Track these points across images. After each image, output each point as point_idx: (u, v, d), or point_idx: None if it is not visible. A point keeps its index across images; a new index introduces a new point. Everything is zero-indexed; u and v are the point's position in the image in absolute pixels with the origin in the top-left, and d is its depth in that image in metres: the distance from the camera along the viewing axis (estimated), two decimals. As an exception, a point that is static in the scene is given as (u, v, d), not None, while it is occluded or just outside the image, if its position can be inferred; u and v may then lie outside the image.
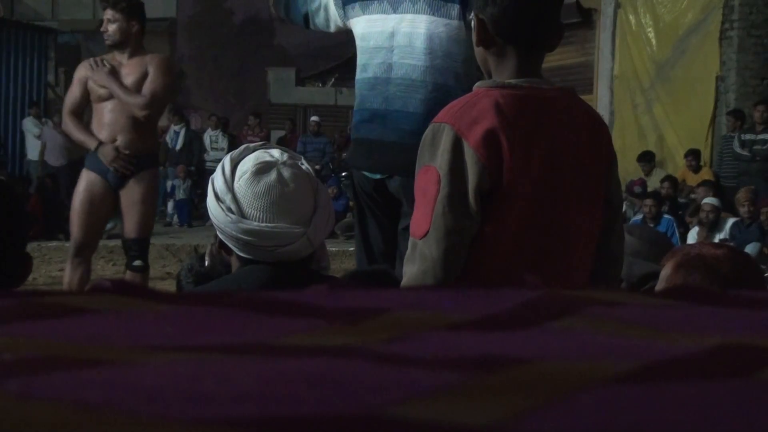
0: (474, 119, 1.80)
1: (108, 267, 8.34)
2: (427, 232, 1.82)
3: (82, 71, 4.86)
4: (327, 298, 0.54)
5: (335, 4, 3.15)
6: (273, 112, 20.27)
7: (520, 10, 1.83)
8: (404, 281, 1.90)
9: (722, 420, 0.34)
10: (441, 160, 1.81)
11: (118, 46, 4.73)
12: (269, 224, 1.81)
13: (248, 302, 0.53)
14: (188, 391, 0.36)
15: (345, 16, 3.12)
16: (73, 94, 4.87)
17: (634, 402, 0.36)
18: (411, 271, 1.86)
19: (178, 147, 13.63)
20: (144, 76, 4.72)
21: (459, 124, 1.81)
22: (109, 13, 4.69)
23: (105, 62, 4.78)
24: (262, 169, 1.84)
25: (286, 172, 1.84)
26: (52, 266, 8.75)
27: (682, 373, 0.40)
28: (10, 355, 0.41)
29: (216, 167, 1.95)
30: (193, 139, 13.88)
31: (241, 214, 1.82)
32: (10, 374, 0.38)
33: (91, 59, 4.95)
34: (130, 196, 4.76)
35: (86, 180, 4.81)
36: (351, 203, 13.96)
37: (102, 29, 4.72)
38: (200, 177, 13.21)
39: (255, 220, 1.82)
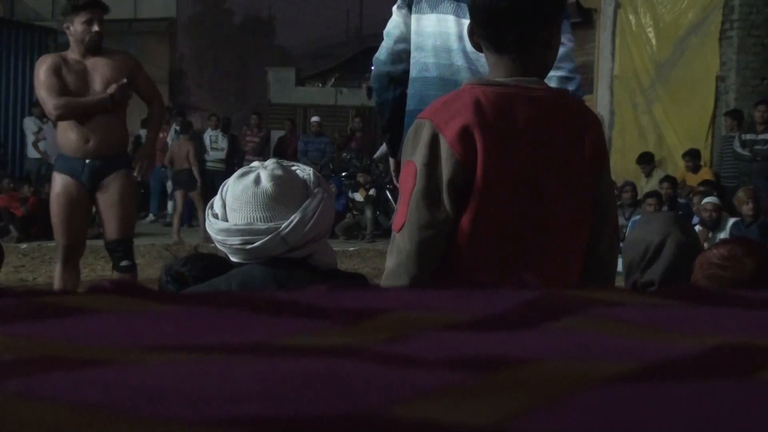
0: (452, 115, 1.83)
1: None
2: (404, 225, 1.85)
3: (52, 61, 4.71)
4: (327, 299, 0.54)
5: (399, 5, 2.99)
6: (273, 112, 20.26)
7: (490, 19, 1.86)
8: (384, 275, 1.94)
9: (722, 420, 0.34)
10: (419, 155, 1.84)
11: (99, 47, 4.72)
12: (240, 222, 1.89)
13: (249, 302, 0.53)
14: (188, 391, 0.36)
15: (409, 10, 2.97)
16: (51, 82, 4.66)
17: (634, 402, 0.36)
18: (388, 264, 1.90)
19: (179, 147, 13.63)
20: (117, 76, 4.68)
21: (438, 119, 1.84)
22: (99, 14, 4.67)
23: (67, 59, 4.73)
24: (242, 174, 1.94)
25: (264, 175, 1.91)
26: (52, 266, 8.73)
27: (682, 373, 0.40)
28: (10, 355, 0.41)
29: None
30: (194, 140, 13.87)
31: (225, 218, 1.92)
32: (10, 374, 0.38)
33: (55, 55, 4.86)
34: (107, 198, 4.70)
35: (61, 183, 4.72)
36: (350, 204, 13.71)
37: (95, 30, 4.64)
38: (201, 177, 13.20)
39: (233, 221, 1.90)
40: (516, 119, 1.84)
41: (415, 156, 1.85)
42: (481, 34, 1.90)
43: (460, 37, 2.88)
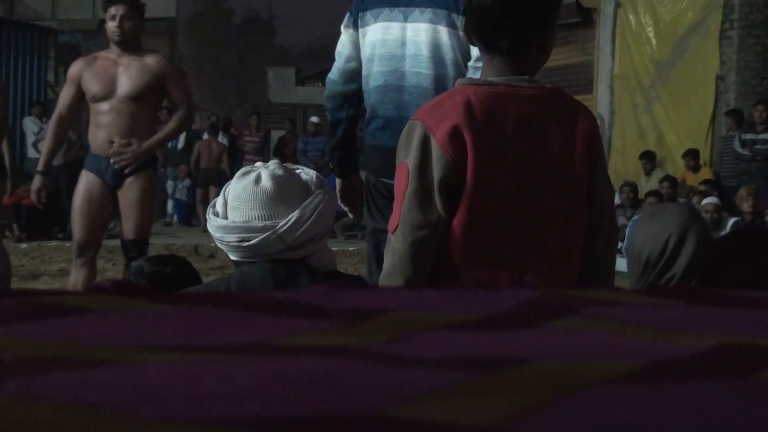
0: (442, 116, 1.85)
1: (108, 267, 8.33)
2: (398, 226, 1.87)
3: (75, 68, 4.80)
4: (327, 299, 0.54)
5: (345, 25, 3.03)
6: (273, 111, 20.26)
7: (483, 19, 1.87)
8: (380, 276, 1.96)
9: (722, 420, 0.34)
10: (411, 156, 1.86)
11: (128, 44, 4.72)
12: (237, 220, 1.90)
13: (248, 302, 0.53)
14: (187, 391, 0.36)
15: (356, 28, 3.01)
16: (66, 94, 4.82)
17: (634, 402, 0.36)
18: (384, 266, 1.92)
19: (179, 146, 13.63)
20: (144, 78, 4.70)
21: (429, 120, 1.86)
22: (122, 10, 4.67)
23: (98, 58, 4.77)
24: (244, 173, 1.95)
25: (265, 174, 1.92)
26: (52, 266, 8.75)
27: (682, 373, 0.40)
28: (10, 355, 0.41)
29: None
30: (194, 140, 13.87)
31: (225, 216, 1.93)
32: (10, 374, 0.38)
33: (88, 58, 4.93)
34: (128, 197, 4.75)
35: (85, 180, 4.80)
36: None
37: (115, 25, 4.66)
38: (201, 176, 13.24)
39: (233, 218, 1.92)
40: (506, 118, 1.85)
41: (408, 157, 1.86)
42: (474, 34, 1.91)
43: (404, 42, 2.91)
